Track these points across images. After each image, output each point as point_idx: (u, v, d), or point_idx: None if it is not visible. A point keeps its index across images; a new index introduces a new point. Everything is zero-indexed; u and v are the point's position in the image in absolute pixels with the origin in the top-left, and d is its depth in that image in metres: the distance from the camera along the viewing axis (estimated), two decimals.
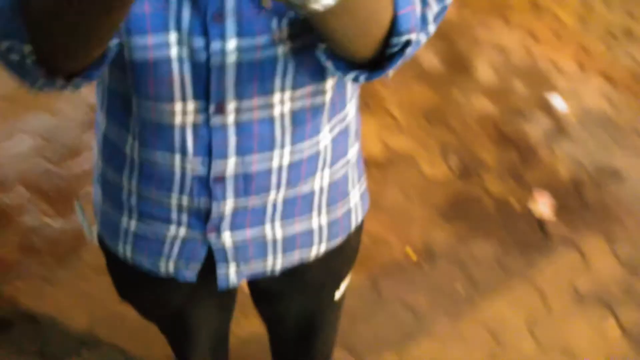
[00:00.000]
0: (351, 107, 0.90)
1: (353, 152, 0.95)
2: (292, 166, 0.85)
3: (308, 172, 0.88)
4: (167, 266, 0.95)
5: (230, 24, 0.70)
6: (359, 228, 1.06)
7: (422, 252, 2.09)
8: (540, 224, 2.20)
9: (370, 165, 2.32)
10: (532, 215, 2.22)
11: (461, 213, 2.22)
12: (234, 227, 0.89)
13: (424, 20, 0.72)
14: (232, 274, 0.95)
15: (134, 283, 1.04)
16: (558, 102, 2.63)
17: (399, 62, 0.70)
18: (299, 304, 1.14)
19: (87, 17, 0.55)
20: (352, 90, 0.88)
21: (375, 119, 2.50)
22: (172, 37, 0.70)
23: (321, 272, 1.04)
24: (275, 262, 0.96)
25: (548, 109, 2.60)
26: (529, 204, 2.25)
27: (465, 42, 2.87)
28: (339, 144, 0.90)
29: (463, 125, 2.50)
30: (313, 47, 0.72)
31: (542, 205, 2.24)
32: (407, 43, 0.68)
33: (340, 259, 1.06)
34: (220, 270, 0.94)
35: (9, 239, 2.05)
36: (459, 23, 2.96)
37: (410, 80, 2.66)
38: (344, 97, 0.86)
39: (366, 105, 2.53)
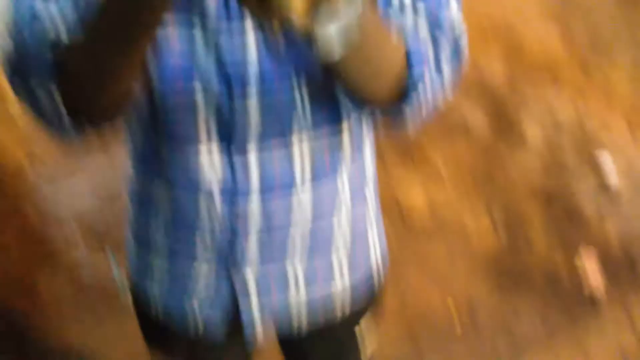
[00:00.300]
0: (367, 147, 0.94)
1: (369, 191, 0.98)
2: (312, 203, 0.88)
3: (327, 208, 0.91)
4: (192, 304, 0.97)
5: (251, 72, 0.75)
6: (380, 272, 1.07)
7: (464, 310, 2.07)
8: (587, 286, 2.15)
9: (414, 219, 2.32)
10: (579, 277, 2.18)
11: (505, 272, 2.19)
12: (255, 263, 0.92)
13: (437, 59, 0.76)
14: (255, 310, 0.96)
15: (162, 330, 1.06)
16: (607, 162, 2.60)
17: (414, 100, 0.75)
18: (321, 347, 1.14)
19: (110, 56, 0.63)
20: (367, 130, 0.92)
21: (420, 173, 2.51)
22: (198, 84, 0.76)
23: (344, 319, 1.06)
24: (299, 296, 0.98)
25: (596, 169, 2.57)
26: (575, 265, 2.21)
27: (512, 100, 2.88)
28: (356, 182, 0.93)
29: (509, 183, 2.49)
30: (331, 89, 0.78)
31: (589, 267, 2.20)
32: (420, 79, 0.73)
33: (364, 303, 1.07)
34: (243, 305, 0.96)
35: (60, 275, 2.12)
36: (506, 80, 2.98)
37: (456, 136, 2.67)
38: (360, 137, 0.90)
39: (411, 159, 2.55)
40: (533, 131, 2.72)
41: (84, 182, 2.41)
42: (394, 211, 2.34)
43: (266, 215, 0.87)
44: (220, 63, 0.75)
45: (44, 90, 0.69)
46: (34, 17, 0.69)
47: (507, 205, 2.41)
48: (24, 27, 0.70)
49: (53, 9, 0.69)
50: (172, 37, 0.74)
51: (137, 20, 0.60)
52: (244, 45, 0.74)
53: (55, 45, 0.69)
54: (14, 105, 2.51)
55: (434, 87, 0.77)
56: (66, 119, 0.71)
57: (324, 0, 0.56)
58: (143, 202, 0.93)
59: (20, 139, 2.49)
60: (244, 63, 0.75)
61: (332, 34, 0.59)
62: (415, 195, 2.41)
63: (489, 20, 3.41)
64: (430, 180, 2.49)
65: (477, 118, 2.77)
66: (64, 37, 0.69)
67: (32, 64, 0.69)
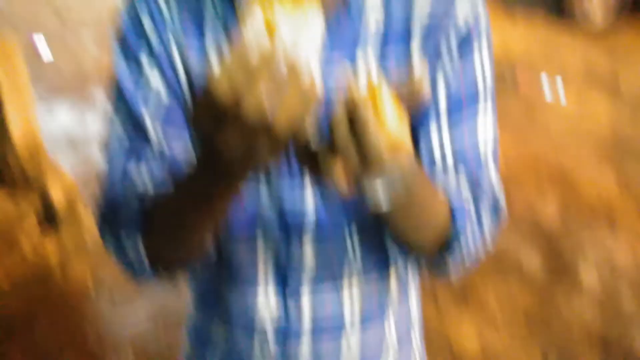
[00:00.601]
0: (412, 291, 0.98)
1: (415, 334, 1.01)
2: (360, 345, 0.92)
3: (374, 350, 0.94)
4: None
5: (308, 221, 0.83)
6: None
7: None
8: None
9: None
10: None
11: None
12: None
13: (478, 216, 0.83)
14: None
15: None
16: None
17: (456, 250, 0.81)
18: None
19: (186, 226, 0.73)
20: (413, 275, 0.97)
21: (473, 314, 2.49)
22: (260, 231, 0.84)
23: None
24: None
25: None
26: None
27: (567, 242, 2.87)
28: (402, 325, 0.97)
29: (565, 330, 2.44)
30: (380, 237, 0.85)
31: None
32: (462, 233, 0.79)
33: None
34: None
35: None
36: (560, 222, 2.98)
37: (510, 277, 2.66)
38: (406, 282, 0.95)
39: (464, 299, 2.54)
40: (589, 274, 2.69)
41: (144, 309, 2.49)
42: (445, 351, 2.31)
43: (316, 356, 0.91)
44: (281, 213, 0.83)
45: (130, 238, 0.78)
46: (125, 173, 0.80)
47: (562, 350, 2.34)
48: (116, 181, 0.80)
49: (143, 167, 0.80)
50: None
51: (218, 190, 0.67)
52: (302, 198, 0.82)
53: (143, 199, 0.78)
54: (88, 232, 2.68)
55: (476, 240, 0.83)
56: (146, 264, 0.79)
57: (367, 165, 0.62)
58: (200, 337, 0.99)
59: (89, 263, 2.62)
60: (302, 213, 0.83)
61: (379, 192, 0.66)
62: (468, 336, 2.38)
63: (543, 161, 3.47)
64: (483, 320, 2.47)
65: (531, 259, 2.77)
66: (151, 192, 0.78)
67: (121, 214, 0.79)
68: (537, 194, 3.19)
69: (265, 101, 0.53)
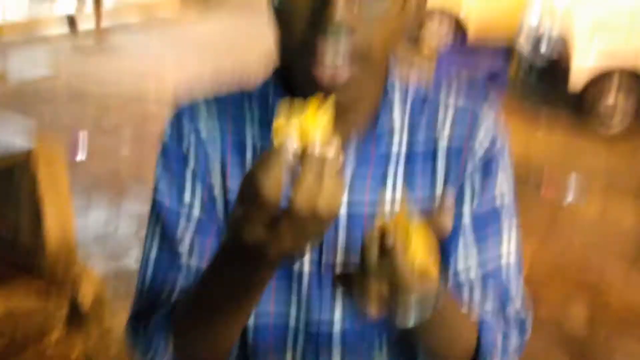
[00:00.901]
0: None
1: None
2: None
3: None
4: None
5: (336, 331, 0.85)
6: None
7: None
8: None
9: None
10: None
11: None
12: None
13: (504, 350, 0.85)
14: None
15: None
16: None
17: None
18: None
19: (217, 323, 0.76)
20: None
21: None
22: (289, 338, 0.86)
23: None
24: None
25: None
26: None
27: (596, 350, 2.80)
28: None
29: None
30: (408, 351, 0.86)
31: None
32: (490, 348, 0.81)
33: None
34: None
35: None
36: (589, 330, 2.93)
37: None
38: None
39: None
40: None
41: None
42: None
43: None
44: (309, 323, 0.85)
45: (161, 339, 0.81)
46: (159, 278, 0.85)
47: None
48: (150, 285, 0.85)
49: (175, 274, 0.84)
50: (270, 297, 0.85)
51: (241, 295, 0.72)
52: (331, 309, 0.85)
53: (175, 302, 0.82)
54: (112, 330, 2.69)
55: (503, 353, 0.85)
56: None
57: (396, 290, 0.66)
58: None
59: (116, 354, 2.62)
60: (330, 324, 0.85)
61: (406, 313, 0.69)
62: None
63: (569, 265, 3.44)
64: None
65: None
66: (181, 297, 0.82)
67: (154, 317, 0.83)
68: (564, 298, 3.15)
69: (310, 193, 0.58)
